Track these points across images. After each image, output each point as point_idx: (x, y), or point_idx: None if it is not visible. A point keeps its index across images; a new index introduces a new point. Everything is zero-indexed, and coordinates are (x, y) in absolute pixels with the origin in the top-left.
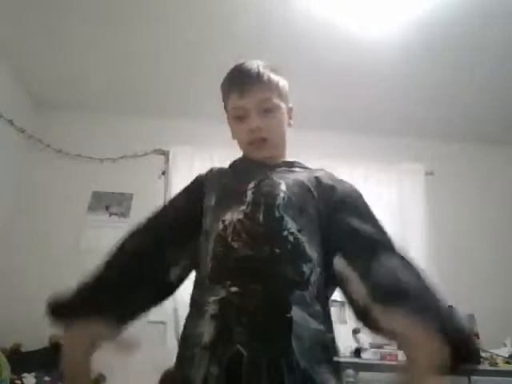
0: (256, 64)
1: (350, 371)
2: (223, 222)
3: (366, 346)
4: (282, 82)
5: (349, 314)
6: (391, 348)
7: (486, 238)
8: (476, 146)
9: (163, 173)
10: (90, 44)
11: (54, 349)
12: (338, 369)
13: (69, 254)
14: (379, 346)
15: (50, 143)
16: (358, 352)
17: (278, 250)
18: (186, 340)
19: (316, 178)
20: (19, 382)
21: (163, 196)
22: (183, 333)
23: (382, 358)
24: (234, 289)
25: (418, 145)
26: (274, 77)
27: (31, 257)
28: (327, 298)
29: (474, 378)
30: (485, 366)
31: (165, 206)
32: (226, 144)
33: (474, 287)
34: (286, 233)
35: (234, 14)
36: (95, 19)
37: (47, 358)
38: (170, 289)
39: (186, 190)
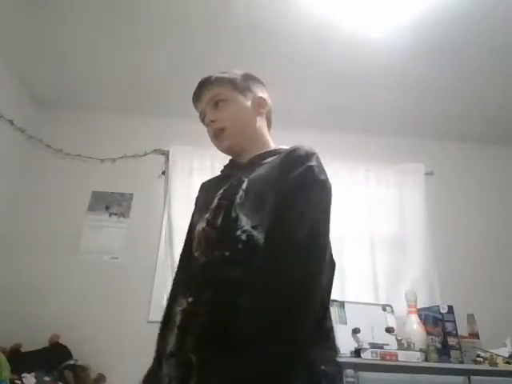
0: (210, 74)
1: (350, 371)
2: (195, 234)
3: (366, 346)
4: (235, 76)
5: (349, 314)
6: (391, 348)
7: (486, 238)
8: (476, 146)
9: (163, 173)
10: (90, 44)
11: (54, 349)
12: None
13: (69, 253)
14: (379, 346)
15: (50, 143)
16: (357, 352)
17: (227, 253)
18: (159, 347)
19: (279, 163)
20: (19, 382)
21: (163, 196)
22: (158, 339)
23: (382, 358)
24: (190, 299)
25: (418, 145)
26: (222, 75)
27: (31, 257)
28: None
29: (473, 378)
30: (485, 366)
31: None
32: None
33: (474, 287)
34: (239, 232)
35: (234, 14)
36: (95, 19)
37: (47, 358)
38: None
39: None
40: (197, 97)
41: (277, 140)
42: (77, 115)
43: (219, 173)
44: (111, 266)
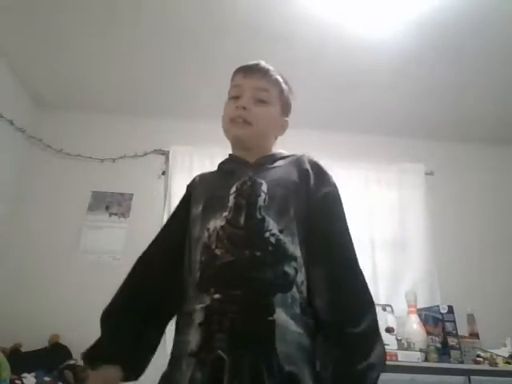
0: (270, 65)
1: None
2: (208, 230)
3: None
4: (287, 92)
5: None
6: (391, 348)
7: (486, 238)
8: (476, 146)
9: (163, 173)
10: (90, 44)
11: (54, 349)
12: (319, 372)
13: (69, 254)
14: None
15: (51, 143)
16: None
17: (258, 253)
18: (176, 348)
19: (298, 171)
20: (19, 382)
21: (163, 196)
22: (174, 340)
23: None
24: (216, 296)
25: (418, 145)
26: (280, 80)
27: (31, 256)
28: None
29: (473, 378)
30: (485, 366)
31: (161, 231)
32: (225, 144)
33: (474, 287)
34: (267, 234)
35: (234, 15)
36: (96, 19)
37: (47, 358)
38: None
39: (177, 209)
40: (246, 72)
41: (277, 139)
42: (77, 115)
43: (216, 168)
44: (111, 265)
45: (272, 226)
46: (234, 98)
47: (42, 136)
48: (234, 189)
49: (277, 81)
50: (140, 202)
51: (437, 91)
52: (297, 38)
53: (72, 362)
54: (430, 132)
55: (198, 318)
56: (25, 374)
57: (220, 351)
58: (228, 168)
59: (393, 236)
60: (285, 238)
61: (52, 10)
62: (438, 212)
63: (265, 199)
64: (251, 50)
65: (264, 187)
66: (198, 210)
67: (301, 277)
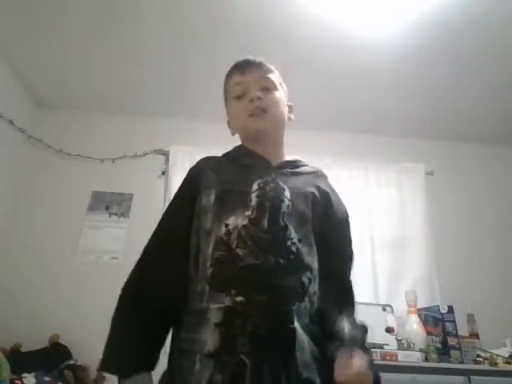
0: (257, 58)
1: None
2: (226, 225)
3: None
4: (283, 83)
5: None
6: (391, 348)
7: (486, 238)
8: (476, 146)
9: (163, 173)
10: (90, 44)
11: (54, 349)
12: (328, 380)
13: (69, 254)
14: (379, 346)
15: (51, 143)
16: None
17: (282, 261)
18: (187, 347)
19: (317, 187)
20: (19, 382)
21: (163, 196)
22: (183, 339)
23: (382, 358)
24: (239, 298)
25: (418, 145)
26: (273, 68)
27: (31, 257)
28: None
29: (473, 377)
30: (485, 366)
31: (161, 222)
32: (226, 144)
33: (474, 287)
34: (289, 242)
35: (234, 15)
36: (96, 19)
37: (47, 358)
38: None
39: (179, 195)
40: (243, 70)
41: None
42: (77, 115)
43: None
44: (111, 265)
45: (293, 234)
46: (239, 96)
47: (42, 136)
48: (255, 186)
49: (271, 69)
50: (140, 202)
51: (437, 91)
52: (297, 38)
53: (72, 361)
54: (429, 132)
55: (215, 317)
56: (25, 374)
57: (243, 355)
58: (245, 162)
59: (393, 236)
60: (303, 248)
61: (52, 10)
62: (438, 212)
63: (288, 206)
64: (251, 50)
65: (287, 193)
66: (209, 199)
67: (314, 287)
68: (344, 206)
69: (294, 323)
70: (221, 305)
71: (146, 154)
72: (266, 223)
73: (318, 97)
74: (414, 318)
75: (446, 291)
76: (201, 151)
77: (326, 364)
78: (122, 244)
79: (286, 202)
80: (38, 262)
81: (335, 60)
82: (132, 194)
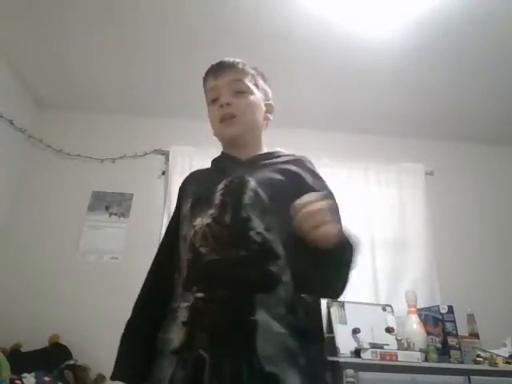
0: (235, 58)
1: (350, 371)
2: (194, 227)
3: (366, 346)
4: (260, 77)
5: (349, 314)
6: (391, 348)
7: (486, 238)
8: (476, 146)
9: (163, 173)
10: (90, 44)
11: (54, 349)
12: (310, 373)
13: (69, 253)
14: (379, 346)
15: (51, 143)
16: (357, 352)
17: (243, 253)
18: (161, 346)
19: (287, 171)
20: (19, 382)
21: (163, 196)
22: (159, 338)
23: (382, 358)
24: (199, 294)
25: (418, 145)
26: (250, 68)
27: (31, 256)
28: (305, 297)
29: (473, 377)
30: (485, 366)
31: (165, 232)
32: (221, 141)
33: (474, 287)
34: (252, 233)
35: (234, 15)
36: (96, 19)
37: (47, 358)
38: None
39: (175, 208)
40: (216, 73)
41: (277, 139)
42: (77, 115)
43: (210, 165)
44: (111, 265)
45: (257, 224)
46: (214, 100)
47: (42, 136)
48: (221, 185)
49: (246, 69)
50: (140, 202)
51: (437, 91)
52: (297, 38)
53: (72, 362)
54: (429, 132)
55: (182, 316)
56: (25, 374)
57: (201, 350)
58: (221, 166)
59: (393, 236)
60: (270, 237)
61: (52, 10)
62: (438, 212)
63: (251, 197)
64: (251, 50)
65: (251, 185)
66: (186, 207)
67: (287, 275)
68: (324, 184)
69: (254, 315)
70: (187, 303)
71: (146, 154)
72: (227, 218)
73: (318, 97)
74: (414, 317)
75: (446, 291)
76: (201, 151)
77: (311, 352)
78: (122, 244)
79: (249, 193)
80: (38, 262)
81: (335, 60)
82: (132, 194)
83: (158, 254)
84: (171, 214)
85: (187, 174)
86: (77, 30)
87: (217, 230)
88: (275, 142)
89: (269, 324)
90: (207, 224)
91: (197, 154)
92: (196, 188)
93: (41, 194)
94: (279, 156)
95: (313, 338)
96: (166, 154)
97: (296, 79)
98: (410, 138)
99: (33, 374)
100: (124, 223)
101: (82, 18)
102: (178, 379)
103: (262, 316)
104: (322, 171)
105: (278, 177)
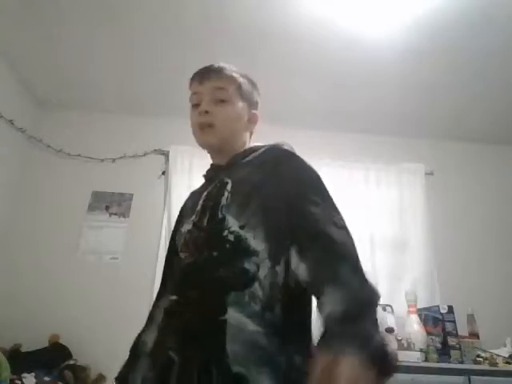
0: (224, 64)
1: None
2: (181, 235)
3: None
4: (247, 85)
5: None
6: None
7: (486, 238)
8: (476, 146)
9: (163, 173)
10: (90, 44)
11: (54, 349)
12: (284, 372)
13: (69, 253)
14: None
15: (51, 143)
16: None
17: (215, 253)
18: (140, 347)
19: (258, 164)
20: (19, 382)
21: (163, 196)
22: (139, 341)
23: None
24: (173, 297)
25: (418, 145)
26: (237, 76)
27: (31, 257)
28: (284, 293)
29: (473, 378)
30: (485, 366)
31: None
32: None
33: (474, 287)
34: (226, 232)
35: (234, 15)
36: (96, 19)
37: (47, 358)
38: None
39: (176, 223)
40: (201, 78)
41: (277, 139)
42: (77, 115)
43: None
44: (111, 266)
45: (232, 223)
46: (196, 105)
47: (42, 136)
48: (205, 193)
49: (232, 77)
50: (140, 202)
51: (437, 91)
52: (297, 38)
53: (72, 362)
54: (429, 132)
55: (158, 318)
56: (25, 374)
57: (171, 352)
58: (208, 176)
59: (393, 236)
60: (246, 234)
61: (52, 10)
62: (438, 212)
63: (227, 197)
64: (251, 51)
65: (229, 186)
66: (179, 224)
67: (264, 271)
68: (289, 163)
69: (224, 315)
70: (164, 306)
71: (146, 153)
72: (205, 222)
73: (318, 97)
74: (414, 317)
75: (445, 291)
76: (201, 151)
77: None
78: (122, 244)
79: (226, 194)
80: (38, 262)
81: (335, 60)
82: (132, 194)
83: (164, 266)
84: (171, 213)
85: (187, 173)
86: (77, 30)
87: (196, 235)
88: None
89: (241, 322)
90: (188, 230)
91: (197, 153)
92: (190, 203)
93: (41, 194)
94: (255, 151)
95: (291, 336)
96: (165, 154)
97: (295, 79)
98: (410, 138)
99: (33, 374)
100: (124, 223)
101: (81, 18)
102: (148, 379)
103: (233, 315)
104: (322, 171)
105: (255, 171)
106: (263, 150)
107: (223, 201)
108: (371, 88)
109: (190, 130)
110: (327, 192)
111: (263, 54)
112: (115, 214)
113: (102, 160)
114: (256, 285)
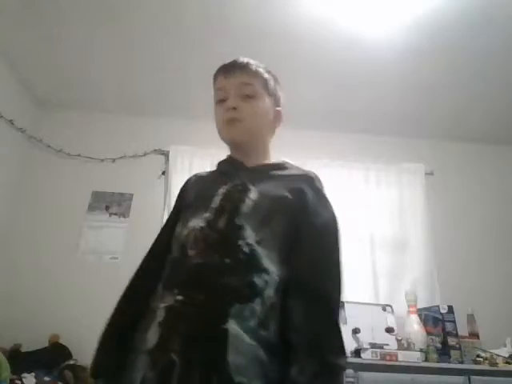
0: (249, 59)
1: (350, 371)
2: (187, 228)
3: (366, 345)
4: (272, 81)
5: (349, 314)
6: (391, 348)
7: (486, 238)
8: (476, 146)
9: (163, 173)
10: (90, 44)
11: (54, 349)
12: None
13: (69, 253)
14: (379, 346)
15: (51, 143)
16: (357, 352)
17: (227, 260)
18: (136, 345)
19: (292, 189)
20: (19, 382)
21: (163, 196)
22: (135, 338)
23: (382, 358)
24: (179, 297)
25: (418, 145)
26: (263, 71)
27: (31, 257)
28: (281, 314)
29: (473, 378)
30: (485, 366)
31: (160, 230)
32: (225, 144)
33: (474, 287)
34: (241, 242)
35: (234, 15)
36: (96, 19)
37: (47, 358)
38: None
39: (174, 207)
40: (227, 73)
41: (277, 139)
42: (77, 115)
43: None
44: (111, 265)
45: (249, 235)
46: (221, 101)
47: (42, 136)
48: (222, 190)
49: (258, 72)
50: (140, 202)
51: (437, 91)
52: (297, 38)
53: (72, 362)
54: (429, 132)
55: (160, 316)
56: (25, 374)
57: (173, 354)
58: (223, 169)
59: (393, 236)
60: (260, 250)
61: (52, 10)
62: (438, 212)
63: (249, 207)
64: (251, 50)
65: (253, 194)
66: (184, 208)
67: (270, 291)
68: (329, 211)
69: (225, 324)
70: (166, 304)
71: (146, 153)
72: (221, 224)
73: (318, 97)
74: (414, 317)
75: (445, 291)
76: (201, 151)
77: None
78: (122, 244)
79: (248, 202)
80: (38, 262)
81: (335, 60)
82: (132, 194)
83: (150, 251)
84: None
85: (187, 173)
86: (77, 30)
87: (208, 234)
88: (275, 142)
89: (240, 334)
90: (201, 227)
91: (197, 153)
92: (198, 189)
93: (41, 193)
94: (286, 168)
95: (284, 356)
96: (165, 154)
97: (296, 79)
98: (410, 138)
99: (33, 374)
100: (124, 223)
101: (81, 18)
102: (148, 379)
103: (233, 326)
104: (322, 171)
105: (283, 193)
106: (297, 173)
107: (244, 208)
108: (371, 88)
109: (190, 130)
110: (340, 243)
111: (263, 54)
112: (115, 214)
113: (102, 160)
114: (258, 300)
